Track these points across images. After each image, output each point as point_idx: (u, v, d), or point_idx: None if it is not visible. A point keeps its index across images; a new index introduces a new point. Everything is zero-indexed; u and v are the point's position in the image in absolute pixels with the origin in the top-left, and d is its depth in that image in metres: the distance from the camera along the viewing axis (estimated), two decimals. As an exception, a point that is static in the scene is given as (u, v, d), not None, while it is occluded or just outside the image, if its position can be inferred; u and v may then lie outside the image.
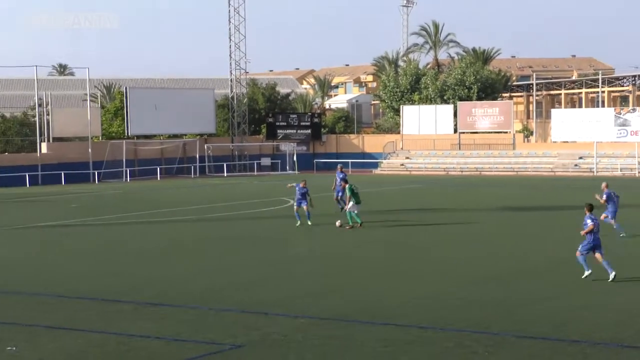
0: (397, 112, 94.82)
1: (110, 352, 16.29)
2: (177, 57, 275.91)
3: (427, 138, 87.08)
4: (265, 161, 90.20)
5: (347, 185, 36.69)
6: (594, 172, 75.66)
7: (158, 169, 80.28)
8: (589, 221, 22.91)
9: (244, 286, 23.00)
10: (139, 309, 20.22)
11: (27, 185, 70.84)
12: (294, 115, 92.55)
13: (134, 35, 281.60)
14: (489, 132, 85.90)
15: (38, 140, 76.42)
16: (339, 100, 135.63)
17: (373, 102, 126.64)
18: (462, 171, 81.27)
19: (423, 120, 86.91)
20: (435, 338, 17.00)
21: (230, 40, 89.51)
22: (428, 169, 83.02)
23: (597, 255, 22.87)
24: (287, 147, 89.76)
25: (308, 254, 29.22)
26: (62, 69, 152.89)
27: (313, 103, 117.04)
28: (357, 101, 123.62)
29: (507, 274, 24.24)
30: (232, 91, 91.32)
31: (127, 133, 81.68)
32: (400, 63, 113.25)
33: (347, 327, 18.02)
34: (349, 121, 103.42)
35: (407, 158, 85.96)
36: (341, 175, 40.44)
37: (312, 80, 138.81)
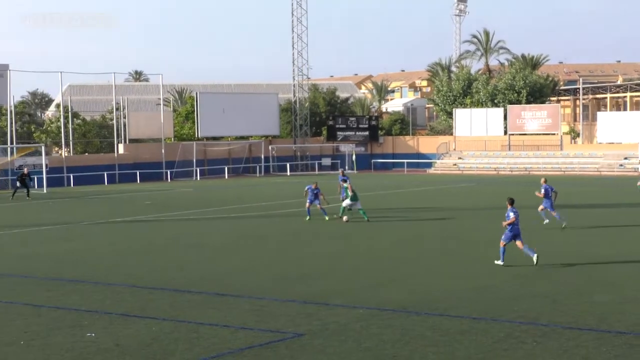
0: (450, 115, 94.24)
1: (180, 339, 16.30)
2: (244, 65, 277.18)
3: (479, 139, 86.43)
4: (326, 161, 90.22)
5: (346, 184, 37.70)
6: (638, 171, 74.48)
7: (225, 168, 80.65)
8: (511, 214, 24.16)
9: (305, 278, 22.94)
10: (207, 299, 20.24)
11: (105, 184, 71.53)
12: (353, 118, 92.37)
13: (204, 44, 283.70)
14: (537, 134, 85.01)
15: (115, 142, 77.14)
16: (395, 104, 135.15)
17: (427, 105, 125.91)
18: (511, 171, 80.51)
19: (475, 123, 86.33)
20: (487, 328, 16.78)
21: (293, 48, 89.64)
22: (479, 169, 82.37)
23: (518, 242, 24.21)
24: (346, 147, 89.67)
25: (361, 248, 29.04)
26: (138, 76, 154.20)
27: (371, 107, 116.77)
28: (412, 105, 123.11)
29: (554, 268, 23.87)
30: (294, 96, 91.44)
31: (197, 135, 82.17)
32: (453, 69, 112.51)
33: (404, 317, 17.87)
34: (405, 124, 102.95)
35: (460, 158, 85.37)
36: (342, 178, 40.47)
37: (370, 85, 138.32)
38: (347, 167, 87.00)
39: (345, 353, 15.17)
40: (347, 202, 37.27)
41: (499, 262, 24.02)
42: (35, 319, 18.32)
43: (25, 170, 59.65)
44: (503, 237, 24.27)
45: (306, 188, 38.77)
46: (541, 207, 33.50)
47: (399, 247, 29.10)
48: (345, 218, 36.75)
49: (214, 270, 24.70)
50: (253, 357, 15.02)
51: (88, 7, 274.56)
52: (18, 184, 56.50)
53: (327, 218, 37.37)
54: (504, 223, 24.35)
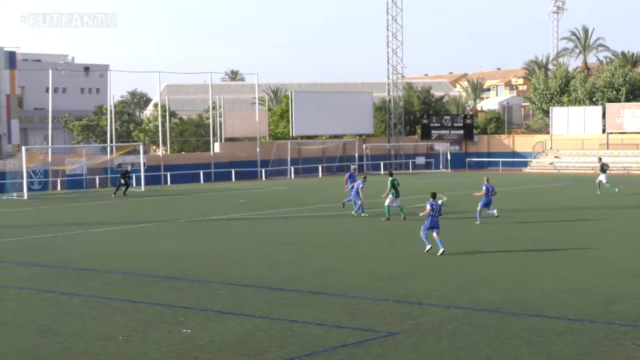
0: (546, 113, 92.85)
1: (274, 337, 16.43)
2: (338, 63, 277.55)
3: (576, 138, 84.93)
4: (420, 160, 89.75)
5: (389, 180, 38.16)
6: None
7: (320, 167, 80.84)
8: (427, 206, 27.14)
9: (397, 277, 22.88)
10: (302, 297, 20.35)
11: (201, 182, 72.39)
12: (448, 117, 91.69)
13: (299, 43, 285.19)
14: (637, 133, 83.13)
15: (211, 140, 77.98)
16: (490, 103, 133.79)
17: (523, 104, 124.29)
18: (610, 170, 78.86)
19: (572, 121, 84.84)
20: (583, 330, 16.51)
21: (388, 46, 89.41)
22: (576, 168, 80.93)
23: (434, 233, 26.84)
24: (440, 146, 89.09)
25: (452, 247, 28.81)
26: (234, 75, 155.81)
27: (465, 105, 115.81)
28: (507, 103, 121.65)
29: (655, 269, 23.36)
30: (389, 94, 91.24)
31: (292, 134, 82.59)
32: (550, 67, 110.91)
33: (498, 317, 17.70)
34: (500, 122, 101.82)
35: (556, 157, 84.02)
36: (352, 176, 41.73)
37: (465, 84, 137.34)
38: (441, 166, 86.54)
39: (438, 353, 15.11)
40: (391, 200, 37.69)
41: (428, 247, 26.85)
42: (133, 315, 18.69)
43: (129, 168, 60.91)
44: (422, 226, 27.37)
45: (357, 183, 39.65)
46: (480, 207, 35.77)
47: (490, 245, 28.77)
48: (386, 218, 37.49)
49: (308, 268, 24.81)
50: (346, 355, 15.06)
51: (178, 6, 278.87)
52: (122, 181, 57.70)
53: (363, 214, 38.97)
54: (421, 214, 27.80)
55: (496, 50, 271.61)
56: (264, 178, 75.96)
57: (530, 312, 18.09)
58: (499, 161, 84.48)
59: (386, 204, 37.62)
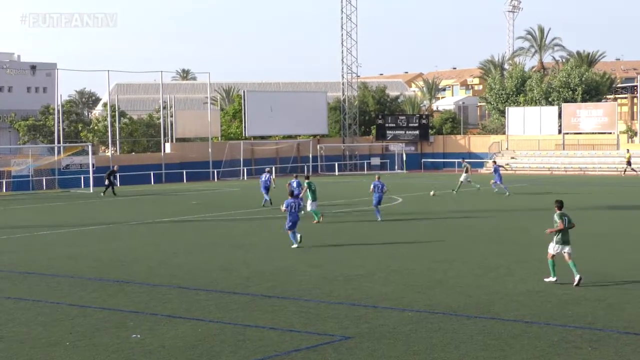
0: (502, 113, 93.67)
1: (226, 341, 16.35)
2: (291, 63, 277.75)
3: (532, 139, 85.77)
4: (375, 161, 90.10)
5: (305, 182, 38.81)
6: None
7: (273, 168, 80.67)
8: (284, 204, 29.91)
9: (352, 279, 22.88)
10: (254, 301, 20.28)
11: (152, 183, 72.06)
12: (403, 117, 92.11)
13: (251, 42, 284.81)
14: (593, 133, 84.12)
15: (162, 141, 77.67)
16: (446, 103, 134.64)
17: (479, 104, 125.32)
18: (566, 171, 79.80)
19: (528, 122, 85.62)
20: (540, 333, 16.62)
21: (343, 45, 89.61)
22: (532, 169, 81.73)
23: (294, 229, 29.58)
24: (396, 147, 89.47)
25: (409, 250, 28.92)
26: (185, 74, 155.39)
27: (421, 105, 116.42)
28: (463, 103, 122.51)
29: (612, 272, 23.59)
30: (343, 94, 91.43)
31: (245, 134, 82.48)
32: (506, 66, 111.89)
33: (454, 320, 17.76)
34: (456, 122, 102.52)
35: (512, 158, 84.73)
36: (296, 182, 41.16)
37: (421, 84, 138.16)
38: (396, 167, 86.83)
39: (394, 357, 15.11)
40: (311, 204, 38.01)
41: (295, 245, 29.25)
42: (80, 320, 18.49)
43: (115, 167, 60.53)
44: (285, 225, 29.98)
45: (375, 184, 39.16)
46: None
47: (447, 249, 28.92)
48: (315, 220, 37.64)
49: (260, 271, 24.73)
50: (300, 360, 15.02)
51: (124, 5, 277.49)
52: (106, 181, 57.72)
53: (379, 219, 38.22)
54: (282, 208, 30.25)
55: (452, 50, 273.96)
56: (216, 179, 75.77)
57: (486, 315, 18.17)
58: (454, 162, 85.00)
59: (309, 208, 37.96)
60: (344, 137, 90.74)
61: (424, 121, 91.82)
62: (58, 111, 73.41)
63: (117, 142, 78.75)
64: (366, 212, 41.61)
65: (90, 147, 69.41)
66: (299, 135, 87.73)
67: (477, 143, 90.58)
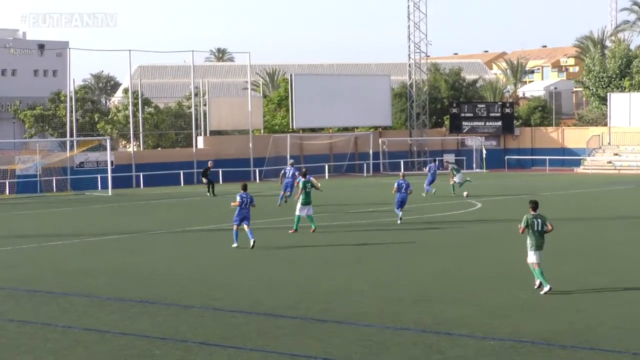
0: (603, 100, 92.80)
1: (271, 374, 16.38)
2: (348, 40, 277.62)
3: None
4: (449, 158, 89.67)
5: (302, 180, 39.15)
6: None
7: (326, 166, 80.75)
8: (237, 197, 33.69)
9: (421, 300, 22.80)
10: (304, 325, 20.30)
11: (182, 184, 72.34)
12: (482, 105, 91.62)
13: (299, 17, 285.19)
14: None
15: (194, 134, 77.93)
16: (534, 88, 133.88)
17: (575, 89, 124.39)
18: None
19: (635, 111, 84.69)
20: (650, 367, 16.45)
21: (409, 19, 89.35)
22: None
23: (245, 225, 33.37)
24: (473, 141, 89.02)
25: (490, 263, 28.74)
26: (221, 54, 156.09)
27: (504, 91, 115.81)
28: (555, 88, 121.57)
29: None
30: (410, 78, 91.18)
31: (292, 126, 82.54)
32: (608, 44, 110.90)
33: (545, 351, 17.66)
34: (546, 112, 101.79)
35: (616, 154, 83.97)
36: (292, 170, 43.88)
37: (504, 65, 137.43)
38: (474, 166, 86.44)
39: (472, 394, 15.04)
40: (301, 208, 38.17)
41: (235, 245, 33.34)
42: (97, 347, 18.63)
43: (210, 164, 61.19)
44: (234, 219, 33.83)
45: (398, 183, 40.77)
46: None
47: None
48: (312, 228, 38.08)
49: (311, 290, 24.75)
50: (359, 397, 15.00)
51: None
52: (204, 179, 58.72)
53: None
54: (232, 204, 34.18)
55: (541, 24, 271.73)
56: (257, 180, 75.87)
57: (584, 345, 18.05)
58: (545, 159, 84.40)
59: (297, 212, 38.18)
60: (411, 129, 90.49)
61: (507, 110, 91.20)
62: (70, 98, 74.05)
63: (140, 135, 79.24)
64: (437, 219, 41.51)
65: (108, 141, 69.83)
66: (357, 128, 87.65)
67: (573, 136, 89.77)
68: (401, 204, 40.53)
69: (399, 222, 40.07)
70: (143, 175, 71.93)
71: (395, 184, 40.77)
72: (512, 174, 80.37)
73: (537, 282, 23.73)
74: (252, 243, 32.73)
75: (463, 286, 24.93)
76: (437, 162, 60.49)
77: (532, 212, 23.89)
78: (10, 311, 22.60)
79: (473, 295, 23.60)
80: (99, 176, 67.86)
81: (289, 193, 49.98)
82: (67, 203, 56.94)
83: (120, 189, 67.00)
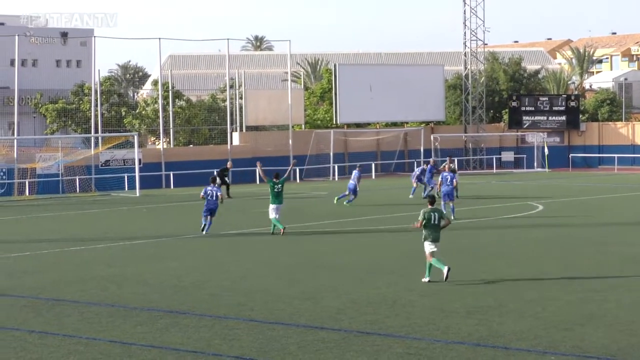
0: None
1: (311, 391, 16.46)
2: (396, 27, 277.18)
3: None
4: (507, 156, 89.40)
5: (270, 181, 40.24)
6: None
7: (373, 165, 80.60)
8: (202, 192, 38.93)
9: (476, 312, 22.78)
10: (348, 339, 20.32)
11: (215, 184, 72.43)
12: (545, 98, 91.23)
13: (343, 1, 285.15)
14: None
15: (229, 130, 78.12)
16: (602, 79, 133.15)
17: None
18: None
19: None
20: None
21: (465, 3, 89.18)
22: None
23: (210, 217, 39.08)
24: (535, 138, 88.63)
25: (549, 270, 28.66)
26: (259, 43, 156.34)
27: (569, 82, 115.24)
28: (626, 79, 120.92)
29: None
30: (466, 68, 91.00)
31: (336, 121, 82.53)
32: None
33: (611, 368, 17.61)
34: (616, 105, 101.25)
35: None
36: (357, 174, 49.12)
37: (569, 54, 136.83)
38: (535, 164, 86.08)
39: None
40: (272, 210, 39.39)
41: (204, 232, 38.89)
42: (123, 361, 18.77)
43: (229, 164, 61.39)
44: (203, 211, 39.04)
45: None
46: None
47: (603, 272, 28.57)
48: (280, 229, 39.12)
49: (355, 300, 24.77)
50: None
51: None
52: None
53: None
54: (201, 195, 39.16)
55: (610, 9, 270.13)
56: (298, 179, 75.90)
57: (655, 361, 17.98)
58: (613, 157, 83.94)
59: (270, 216, 39.12)
60: (466, 124, 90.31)
61: (572, 103, 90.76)
62: (95, 91, 74.47)
63: (171, 131, 79.57)
64: (490, 223, 41.46)
65: (136, 137, 70.03)
66: (407, 123, 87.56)
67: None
68: (449, 197, 42.64)
69: (452, 218, 39.70)
70: (173, 174, 72.12)
71: (440, 178, 42.92)
72: (576, 174, 79.90)
73: (427, 279, 26.84)
74: (204, 231, 39.32)
75: (521, 296, 24.87)
76: (431, 164, 57.26)
77: (430, 207, 27.23)
78: (31, 321, 22.76)
79: (531, 305, 23.54)
80: (125, 175, 68.22)
81: (352, 196, 51.50)
82: (91, 205, 57.27)
83: (148, 189, 67.21)
